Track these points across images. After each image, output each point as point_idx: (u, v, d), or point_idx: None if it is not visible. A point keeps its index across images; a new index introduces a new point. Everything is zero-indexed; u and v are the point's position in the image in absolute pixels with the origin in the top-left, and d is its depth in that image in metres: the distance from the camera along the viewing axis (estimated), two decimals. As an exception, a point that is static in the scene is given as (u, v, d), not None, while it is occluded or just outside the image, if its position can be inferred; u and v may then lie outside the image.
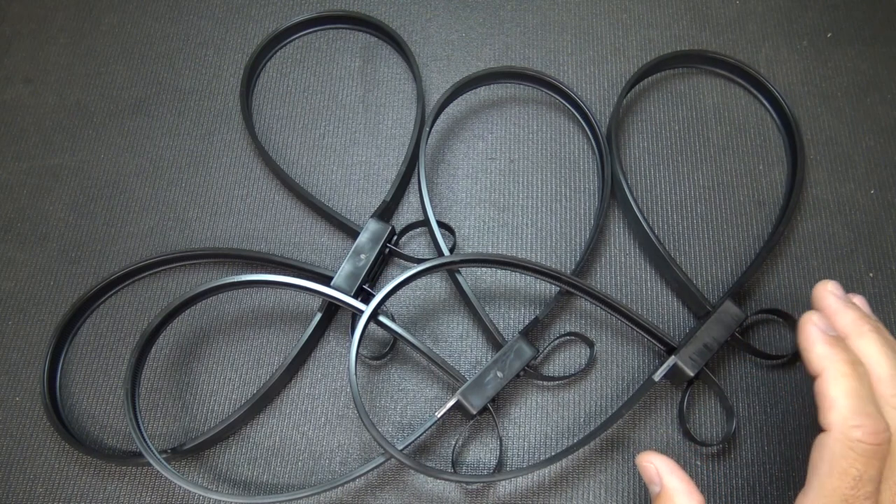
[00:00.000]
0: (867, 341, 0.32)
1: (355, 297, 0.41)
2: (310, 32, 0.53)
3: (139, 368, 0.39)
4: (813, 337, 0.31)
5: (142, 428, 0.37)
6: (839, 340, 0.31)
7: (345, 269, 0.42)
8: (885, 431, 0.29)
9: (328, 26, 0.53)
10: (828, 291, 0.33)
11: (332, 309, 0.43)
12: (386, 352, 0.43)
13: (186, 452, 0.40)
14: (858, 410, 0.29)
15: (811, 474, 0.30)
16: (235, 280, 0.40)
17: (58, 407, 0.42)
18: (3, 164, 0.50)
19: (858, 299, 0.35)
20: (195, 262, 0.46)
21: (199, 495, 0.40)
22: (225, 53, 0.53)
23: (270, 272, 0.45)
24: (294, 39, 0.53)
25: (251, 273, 0.42)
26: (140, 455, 0.39)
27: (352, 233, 0.45)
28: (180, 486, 0.38)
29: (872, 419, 0.29)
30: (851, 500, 0.29)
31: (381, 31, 0.52)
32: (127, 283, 0.46)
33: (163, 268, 0.46)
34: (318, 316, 0.42)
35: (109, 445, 0.42)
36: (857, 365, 0.31)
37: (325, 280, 0.42)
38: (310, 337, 0.42)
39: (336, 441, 0.41)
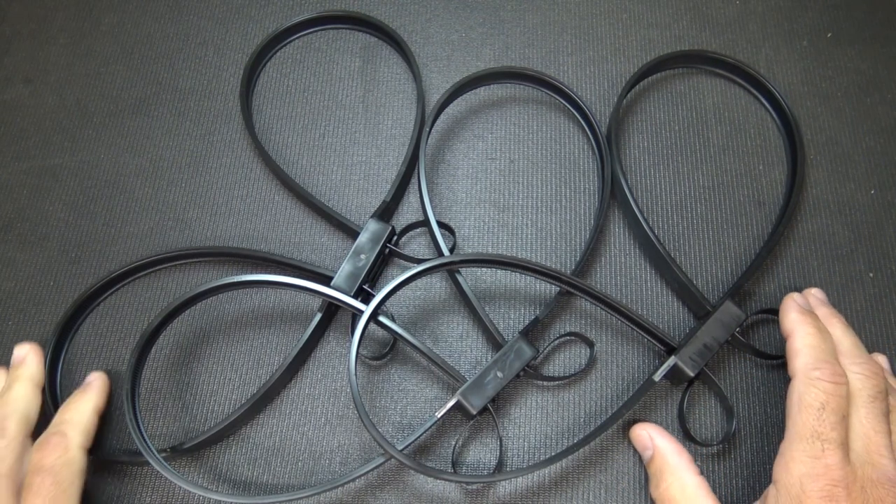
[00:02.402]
0: (834, 326, 0.38)
1: (355, 297, 0.41)
2: (310, 32, 0.53)
3: (139, 368, 0.39)
4: (790, 306, 0.38)
5: (141, 428, 0.37)
6: (811, 312, 0.38)
7: (345, 269, 0.42)
8: (843, 376, 0.34)
9: (328, 26, 0.53)
10: (811, 293, 0.41)
11: (332, 309, 0.43)
12: (386, 352, 0.43)
13: (185, 451, 0.40)
14: (819, 358, 0.35)
15: (787, 420, 0.35)
16: (236, 280, 0.40)
17: (58, 406, 0.42)
18: (3, 164, 0.50)
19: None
20: (195, 260, 0.46)
21: (199, 495, 0.40)
22: (225, 53, 0.53)
23: (271, 272, 0.45)
24: (294, 39, 0.53)
25: (251, 273, 0.42)
26: (140, 454, 0.39)
27: (352, 233, 0.45)
28: (180, 486, 0.38)
29: (831, 364, 0.35)
30: (819, 430, 0.33)
31: (381, 32, 0.52)
32: (127, 281, 0.46)
33: (163, 266, 0.46)
34: (318, 316, 0.42)
35: (109, 445, 0.42)
36: (822, 330, 0.37)
37: (326, 280, 0.42)
38: (310, 337, 0.42)
39: (336, 441, 0.41)
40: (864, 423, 0.34)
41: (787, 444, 0.34)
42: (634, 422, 0.40)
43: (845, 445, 0.33)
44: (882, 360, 0.40)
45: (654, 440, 0.38)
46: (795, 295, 0.39)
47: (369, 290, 0.43)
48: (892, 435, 0.34)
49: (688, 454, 0.37)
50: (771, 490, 0.34)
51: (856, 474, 0.32)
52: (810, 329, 0.36)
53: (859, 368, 0.35)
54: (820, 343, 0.36)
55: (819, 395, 0.34)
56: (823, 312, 0.39)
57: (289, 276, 0.40)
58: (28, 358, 0.41)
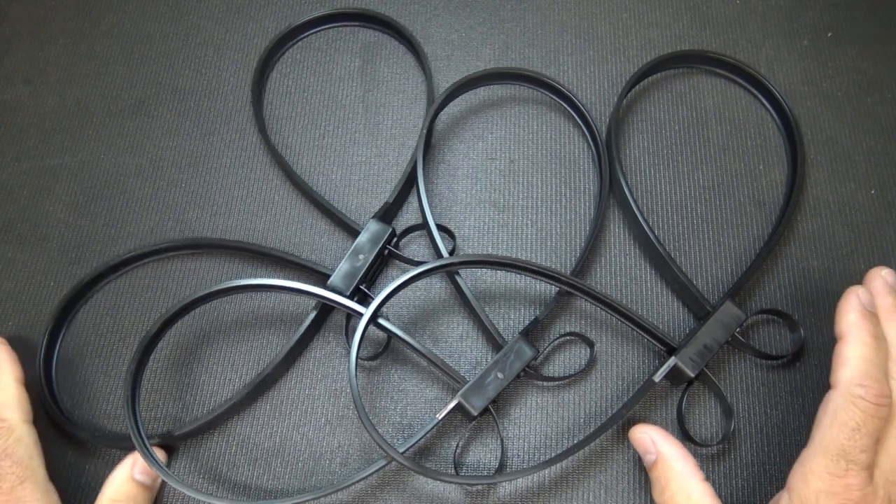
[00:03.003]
0: (894, 325, 0.35)
1: (351, 297, 0.41)
2: (324, 29, 0.53)
3: (139, 375, 0.39)
4: (851, 305, 0.35)
5: (145, 439, 0.37)
6: (872, 315, 0.35)
7: (342, 268, 0.42)
8: (887, 397, 0.32)
9: (342, 24, 0.53)
10: (880, 275, 0.37)
11: (327, 307, 0.43)
12: (380, 352, 0.43)
13: (177, 438, 0.41)
14: (866, 373, 0.32)
15: (815, 427, 0.33)
16: (232, 285, 0.39)
17: (55, 396, 0.43)
18: (3, 164, 0.50)
19: None
20: (192, 252, 0.46)
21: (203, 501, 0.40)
22: (224, 53, 0.53)
23: (268, 267, 0.45)
24: (307, 36, 0.53)
25: (249, 278, 0.41)
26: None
27: (353, 233, 0.45)
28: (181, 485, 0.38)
29: (878, 383, 0.32)
30: (848, 449, 0.31)
31: (392, 29, 0.52)
32: (123, 270, 0.46)
33: (160, 256, 0.46)
34: (313, 314, 0.42)
35: (111, 430, 0.42)
36: (879, 339, 0.34)
37: (323, 278, 0.42)
38: (303, 334, 0.42)
39: (336, 442, 0.42)
40: None
41: (810, 455, 0.33)
42: (634, 421, 0.40)
43: (871, 467, 0.32)
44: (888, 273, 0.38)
45: (658, 445, 0.36)
46: (860, 291, 0.35)
47: (366, 290, 0.42)
48: None
49: (692, 459, 0.36)
50: (784, 496, 0.34)
51: (877, 494, 0.31)
52: (866, 338, 0.34)
53: None
54: (872, 356, 0.33)
55: (857, 415, 0.32)
56: (887, 304, 0.36)
57: (287, 274, 0.40)
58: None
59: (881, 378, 0.33)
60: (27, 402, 0.39)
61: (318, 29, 0.53)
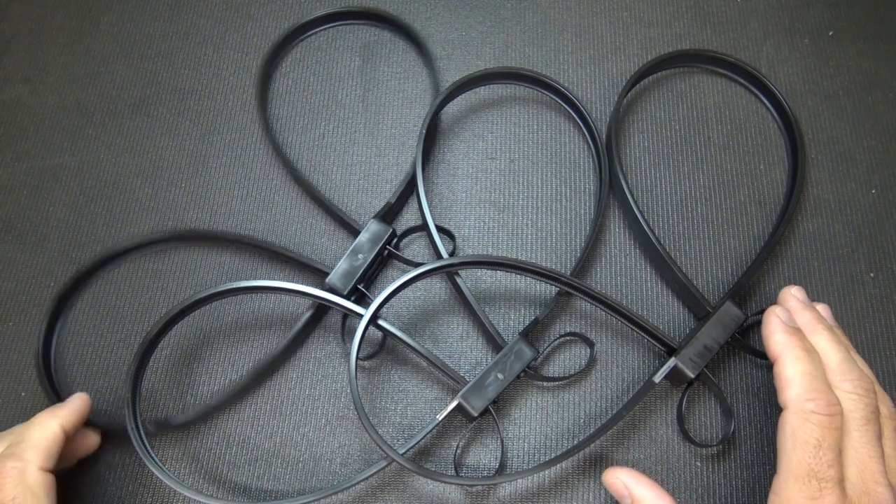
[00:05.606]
0: (820, 337, 0.36)
1: (349, 295, 0.41)
2: (329, 27, 0.53)
3: (139, 377, 0.39)
4: (774, 326, 0.36)
5: (145, 440, 0.37)
6: (797, 331, 0.36)
7: (341, 267, 0.42)
8: (837, 405, 0.32)
9: (349, 21, 0.53)
10: (790, 294, 0.38)
11: (323, 305, 0.43)
12: (377, 351, 0.43)
13: (171, 429, 0.41)
14: (811, 387, 0.33)
15: (779, 454, 0.33)
16: (232, 287, 0.39)
17: (60, 397, 0.43)
18: (3, 164, 0.50)
19: (822, 307, 0.39)
20: (189, 243, 0.47)
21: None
22: (224, 52, 0.53)
23: (268, 263, 0.45)
24: (312, 34, 0.53)
25: (248, 279, 0.41)
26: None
27: (354, 233, 0.44)
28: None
29: (824, 394, 0.33)
30: (816, 468, 0.31)
31: (397, 28, 0.52)
32: (119, 264, 0.46)
33: (159, 247, 0.47)
34: (309, 314, 0.42)
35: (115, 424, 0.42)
36: (810, 351, 0.35)
37: (322, 275, 0.42)
38: (299, 332, 0.42)
39: (336, 442, 0.42)
40: (859, 448, 0.32)
41: (782, 483, 0.32)
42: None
43: (842, 481, 0.31)
44: (822, 308, 0.38)
45: (631, 489, 0.35)
46: (778, 310, 0.37)
47: (364, 290, 0.42)
48: (884, 458, 0.33)
49: (668, 497, 0.34)
50: None
51: None
52: (798, 352, 0.34)
53: (850, 386, 0.34)
54: (810, 369, 0.34)
55: (815, 431, 0.32)
56: (807, 319, 0.37)
57: (286, 273, 0.40)
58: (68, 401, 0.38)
59: (825, 388, 0.33)
60: (58, 450, 0.35)
61: (323, 27, 0.53)
